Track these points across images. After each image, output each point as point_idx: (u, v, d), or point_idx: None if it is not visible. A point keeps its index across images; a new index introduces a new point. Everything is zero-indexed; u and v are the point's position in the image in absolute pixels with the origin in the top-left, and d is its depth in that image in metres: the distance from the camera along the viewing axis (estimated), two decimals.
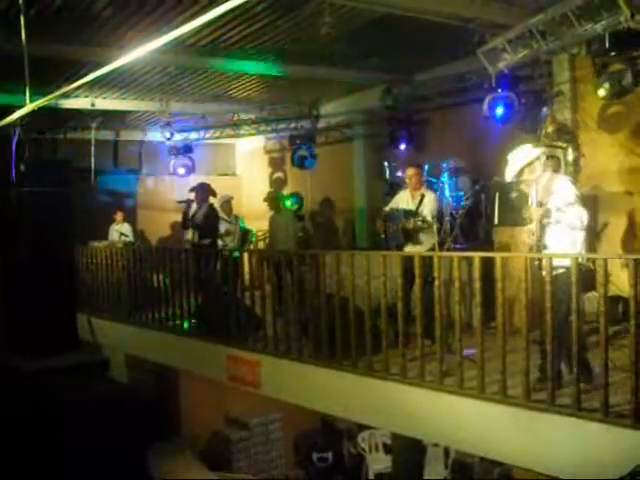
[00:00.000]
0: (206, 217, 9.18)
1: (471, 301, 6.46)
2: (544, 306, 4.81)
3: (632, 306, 4.29)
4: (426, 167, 8.75)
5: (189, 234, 9.30)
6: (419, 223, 6.92)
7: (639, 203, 7.59)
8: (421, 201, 7.13)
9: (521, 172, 5.32)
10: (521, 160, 5.28)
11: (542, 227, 5.13)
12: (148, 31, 7.37)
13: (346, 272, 6.28)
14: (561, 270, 4.89)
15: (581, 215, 5.06)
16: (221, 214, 10.15)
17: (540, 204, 5.12)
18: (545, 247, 5.15)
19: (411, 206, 7.19)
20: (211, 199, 9.46)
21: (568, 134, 7.73)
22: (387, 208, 7.45)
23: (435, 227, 7.05)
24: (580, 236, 5.12)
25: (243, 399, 10.26)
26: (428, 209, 7.13)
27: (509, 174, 5.38)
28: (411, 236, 7.00)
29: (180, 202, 9.54)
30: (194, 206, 9.31)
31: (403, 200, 7.33)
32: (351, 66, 9.84)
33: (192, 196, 9.40)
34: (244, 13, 7.21)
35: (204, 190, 9.39)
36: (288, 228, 9.83)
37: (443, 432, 5.51)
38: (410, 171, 7.32)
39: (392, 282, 5.89)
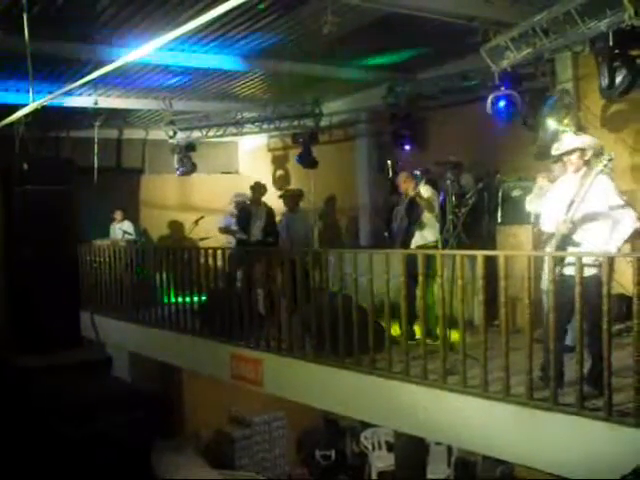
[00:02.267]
0: (268, 216, 9.45)
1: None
2: (549, 305, 4.82)
3: (636, 305, 4.28)
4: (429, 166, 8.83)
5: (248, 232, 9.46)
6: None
7: None
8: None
9: (559, 159, 5.30)
10: (566, 146, 5.24)
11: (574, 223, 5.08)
12: (151, 29, 7.37)
13: (349, 270, 6.29)
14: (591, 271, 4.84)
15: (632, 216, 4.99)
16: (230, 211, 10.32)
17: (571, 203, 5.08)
18: (575, 244, 5.10)
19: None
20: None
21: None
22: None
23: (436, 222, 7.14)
24: (619, 237, 5.00)
25: (246, 397, 10.28)
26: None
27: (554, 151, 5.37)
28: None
29: (238, 200, 9.86)
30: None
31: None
32: (354, 64, 9.83)
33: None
34: (247, 11, 7.21)
35: (260, 189, 9.68)
36: (307, 229, 9.92)
37: (446, 430, 5.51)
38: (400, 177, 7.71)
39: (395, 280, 5.91)
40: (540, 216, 6.17)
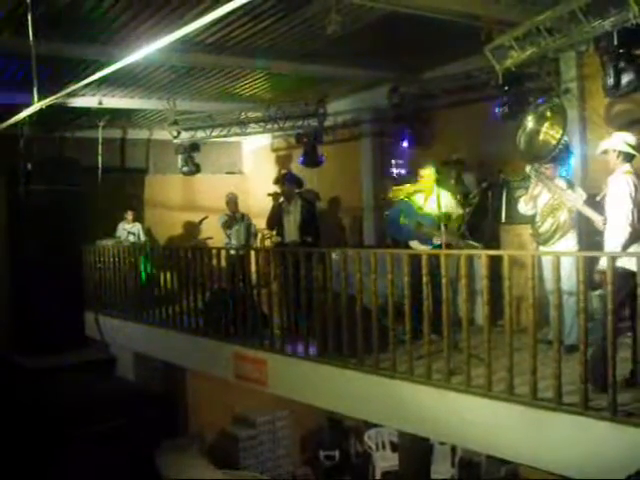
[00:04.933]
0: (305, 211, 8.46)
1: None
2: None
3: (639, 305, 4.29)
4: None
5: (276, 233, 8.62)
6: (471, 242, 7.00)
7: None
8: (439, 202, 7.24)
9: (606, 151, 5.31)
10: (615, 144, 5.25)
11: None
12: (155, 29, 7.38)
13: (353, 270, 6.29)
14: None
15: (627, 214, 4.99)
16: (227, 212, 10.18)
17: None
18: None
19: (426, 207, 7.41)
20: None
21: None
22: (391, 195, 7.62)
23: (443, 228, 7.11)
24: (620, 235, 5.00)
25: (250, 397, 10.28)
26: (453, 204, 7.45)
27: (601, 146, 5.39)
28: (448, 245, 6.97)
29: (270, 194, 8.80)
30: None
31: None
32: (358, 64, 9.82)
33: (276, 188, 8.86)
34: (250, 11, 7.21)
35: (294, 181, 8.76)
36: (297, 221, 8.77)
37: (450, 430, 5.51)
38: (426, 171, 7.45)
39: (399, 280, 5.91)
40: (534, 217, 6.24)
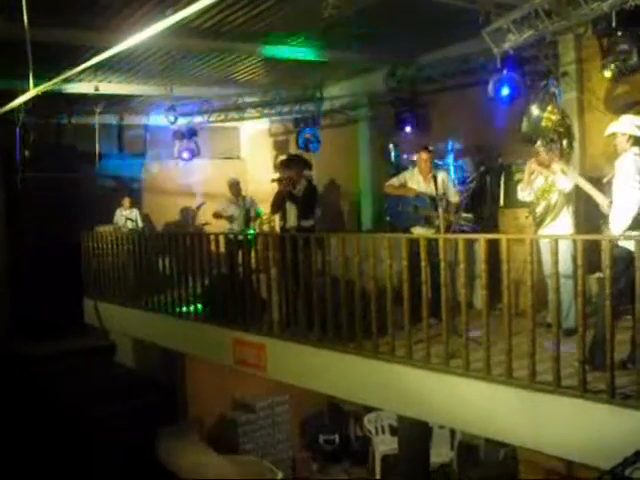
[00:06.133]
0: (306, 193, 7.95)
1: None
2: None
3: (638, 288, 4.29)
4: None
5: (279, 218, 8.30)
6: (465, 215, 7.01)
7: None
8: (435, 183, 7.21)
9: (613, 135, 5.29)
10: (626, 127, 5.23)
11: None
12: (151, 14, 7.33)
13: (352, 254, 6.29)
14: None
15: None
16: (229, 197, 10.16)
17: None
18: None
19: (426, 189, 7.34)
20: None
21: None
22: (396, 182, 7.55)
23: (441, 209, 7.10)
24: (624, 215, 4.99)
25: (250, 382, 10.32)
26: (451, 190, 7.35)
27: (609, 129, 5.36)
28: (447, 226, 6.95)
29: (274, 180, 8.34)
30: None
31: (414, 182, 7.42)
32: (355, 48, 9.77)
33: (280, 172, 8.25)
34: None
35: (300, 162, 8.30)
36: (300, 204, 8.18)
37: (449, 414, 5.53)
38: (424, 155, 7.45)
39: (398, 264, 5.91)
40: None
